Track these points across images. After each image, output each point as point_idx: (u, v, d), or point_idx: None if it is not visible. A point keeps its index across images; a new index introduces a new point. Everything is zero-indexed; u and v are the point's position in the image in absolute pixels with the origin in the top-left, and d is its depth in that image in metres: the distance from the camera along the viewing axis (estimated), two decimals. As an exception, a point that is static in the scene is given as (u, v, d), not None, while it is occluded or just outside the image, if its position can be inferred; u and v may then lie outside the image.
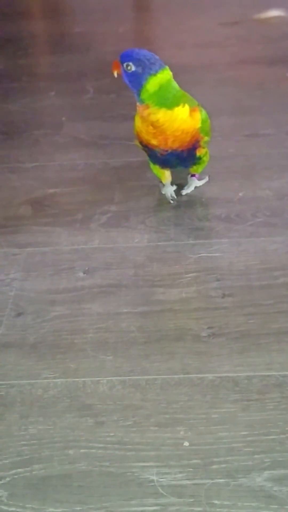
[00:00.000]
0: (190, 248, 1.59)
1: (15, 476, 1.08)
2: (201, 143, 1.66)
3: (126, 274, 1.53)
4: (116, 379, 1.24)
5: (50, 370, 1.28)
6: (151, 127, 1.59)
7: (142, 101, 1.56)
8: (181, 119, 1.58)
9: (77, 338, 1.35)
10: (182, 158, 1.68)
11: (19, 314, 1.43)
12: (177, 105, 1.57)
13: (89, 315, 1.41)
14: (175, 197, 1.78)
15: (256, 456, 1.08)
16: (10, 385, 1.25)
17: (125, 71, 1.54)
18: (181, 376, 1.23)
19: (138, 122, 1.63)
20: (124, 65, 1.53)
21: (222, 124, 2.15)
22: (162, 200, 1.79)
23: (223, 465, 1.07)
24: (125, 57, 1.54)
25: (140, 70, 1.52)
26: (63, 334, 1.37)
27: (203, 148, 1.68)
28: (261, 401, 1.17)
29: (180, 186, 1.80)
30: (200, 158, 1.71)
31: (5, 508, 1.04)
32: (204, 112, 1.64)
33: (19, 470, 1.09)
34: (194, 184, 1.81)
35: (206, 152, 1.72)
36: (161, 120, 1.57)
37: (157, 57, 1.55)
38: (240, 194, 1.78)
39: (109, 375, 1.26)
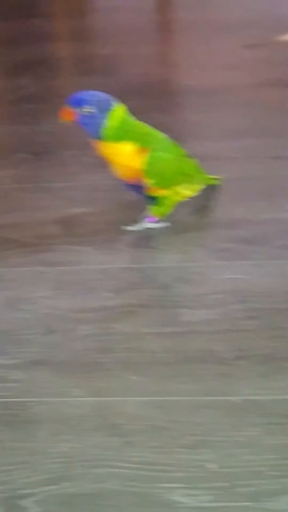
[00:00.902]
0: (214, 269, 1.62)
1: (46, 493, 1.11)
2: (148, 185, 1.67)
3: (152, 295, 1.56)
4: (143, 400, 1.27)
5: (80, 389, 1.31)
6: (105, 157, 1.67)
7: (103, 138, 1.60)
8: (124, 155, 1.63)
9: (105, 357, 1.39)
10: (135, 191, 1.74)
11: (49, 332, 1.47)
12: (126, 139, 1.61)
13: (117, 334, 1.45)
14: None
15: (281, 480, 1.10)
16: (41, 402, 1.29)
17: (84, 115, 1.58)
18: (206, 398, 1.26)
19: None
20: (80, 109, 1.57)
21: (245, 145, 2.19)
22: (186, 221, 1.82)
23: (249, 488, 1.09)
24: (81, 101, 1.58)
25: (101, 109, 1.58)
26: (92, 353, 1.40)
27: (160, 190, 1.70)
28: (286, 425, 1.20)
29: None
30: (155, 198, 1.73)
31: (38, 524, 1.08)
32: (159, 155, 1.65)
33: (50, 487, 1.12)
34: (144, 225, 1.80)
35: (167, 197, 1.73)
36: (111, 153, 1.63)
37: (106, 94, 1.62)
38: (264, 216, 1.81)
39: (136, 395, 1.29)
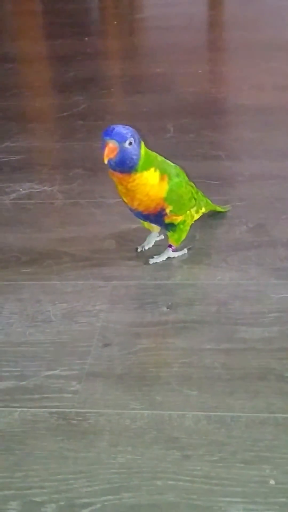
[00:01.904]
0: (272, 288, 1.62)
1: (106, 503, 1.12)
2: (167, 212, 1.65)
3: (208, 311, 1.57)
4: (201, 414, 1.28)
5: (137, 402, 1.32)
6: (121, 186, 1.62)
7: (136, 171, 1.55)
8: (151, 185, 1.59)
9: (162, 371, 1.40)
10: (152, 220, 1.72)
11: (106, 345, 1.48)
12: (151, 167, 1.58)
13: (173, 349, 1.46)
14: (145, 248, 1.80)
15: None
16: (99, 414, 1.30)
17: (126, 149, 1.50)
18: (266, 415, 1.26)
19: (112, 176, 1.63)
20: (127, 142, 1.50)
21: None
22: (243, 239, 1.83)
23: (309, 505, 1.09)
24: (124, 135, 1.50)
25: (137, 141, 1.53)
26: (149, 366, 1.41)
27: (176, 216, 1.68)
28: None
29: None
30: (173, 225, 1.71)
31: (95, 533, 1.09)
32: (176, 181, 1.63)
33: (109, 497, 1.13)
34: (167, 255, 1.77)
35: (183, 222, 1.71)
36: (138, 183, 1.58)
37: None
38: None
39: (194, 409, 1.29)
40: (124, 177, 1.57)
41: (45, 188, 2.20)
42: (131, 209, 1.69)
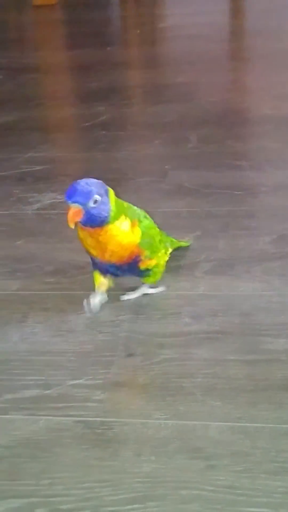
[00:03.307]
0: (295, 299, 1.63)
1: (132, 512, 1.14)
2: (142, 258, 1.59)
3: (232, 322, 1.58)
4: (225, 425, 1.28)
5: (161, 412, 1.33)
6: (90, 239, 1.54)
7: (108, 223, 1.48)
8: (123, 233, 1.52)
9: (186, 382, 1.40)
10: (124, 271, 1.63)
11: (129, 355, 1.50)
12: (121, 215, 1.51)
13: (197, 360, 1.47)
14: (97, 310, 1.65)
15: None
16: (123, 423, 1.31)
17: (92, 209, 1.43)
18: (290, 426, 1.27)
19: (80, 231, 1.56)
20: (91, 201, 1.43)
21: None
22: (266, 250, 1.83)
23: None
24: (87, 195, 1.42)
25: (104, 195, 1.46)
26: (172, 377, 1.42)
27: (150, 260, 1.62)
28: None
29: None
30: (148, 270, 1.64)
31: None
32: (146, 223, 1.58)
33: (135, 506, 1.14)
34: (143, 291, 1.71)
35: (156, 264, 1.64)
36: (111, 234, 1.50)
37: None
38: None
39: (218, 420, 1.30)
40: (95, 231, 1.50)
41: (68, 198, 2.22)
42: (100, 263, 1.60)
